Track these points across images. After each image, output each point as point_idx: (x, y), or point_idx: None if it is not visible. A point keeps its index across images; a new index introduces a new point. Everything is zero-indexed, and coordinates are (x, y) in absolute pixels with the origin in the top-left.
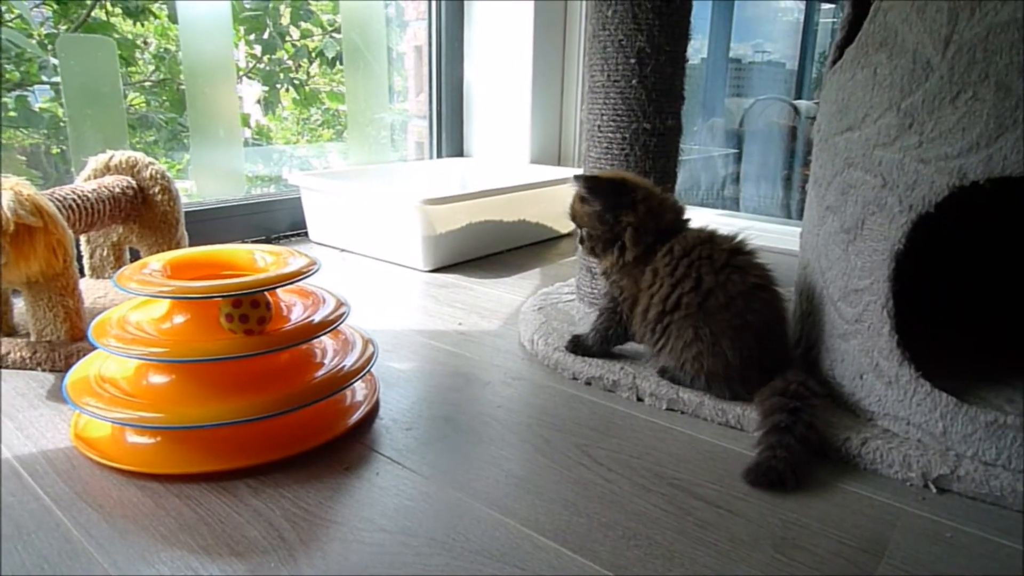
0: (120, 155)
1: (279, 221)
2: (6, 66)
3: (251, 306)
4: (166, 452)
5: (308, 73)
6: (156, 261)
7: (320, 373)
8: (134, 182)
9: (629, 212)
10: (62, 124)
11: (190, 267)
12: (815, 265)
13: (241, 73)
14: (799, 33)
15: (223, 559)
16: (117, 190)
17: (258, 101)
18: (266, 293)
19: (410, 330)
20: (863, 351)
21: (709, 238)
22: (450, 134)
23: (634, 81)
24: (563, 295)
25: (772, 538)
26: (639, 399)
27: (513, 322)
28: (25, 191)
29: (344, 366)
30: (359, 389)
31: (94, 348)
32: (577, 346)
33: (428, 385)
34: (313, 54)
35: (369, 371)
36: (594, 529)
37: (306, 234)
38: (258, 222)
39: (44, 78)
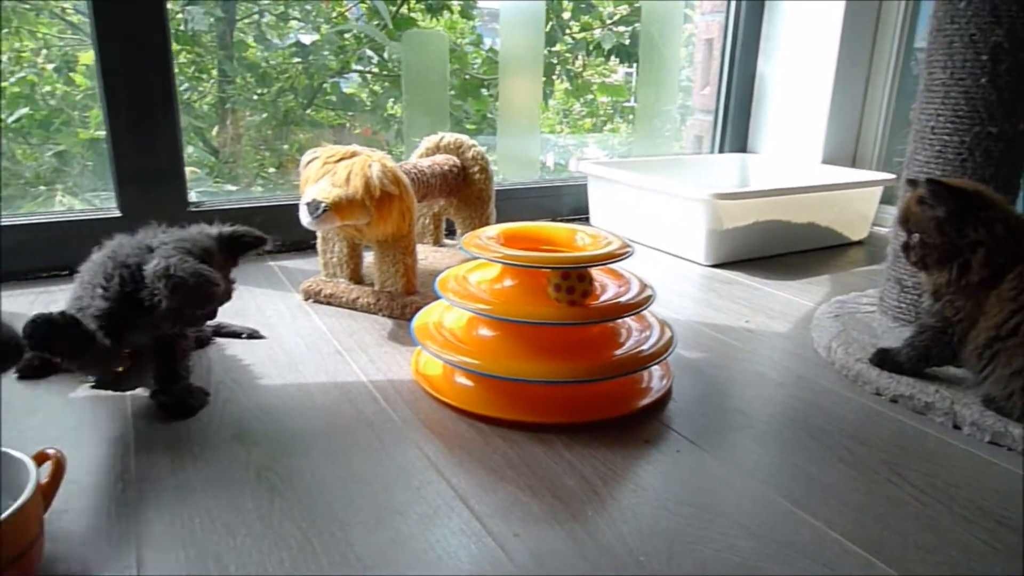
0: (449, 137)
1: (563, 205)
2: (328, 57)
3: (578, 279)
4: (487, 397)
5: (584, 65)
6: (492, 231)
7: (622, 351)
8: (458, 161)
9: (980, 229)
10: (366, 107)
11: (518, 239)
12: None
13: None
14: None
15: (546, 500)
16: (446, 167)
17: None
18: (590, 269)
19: (696, 322)
20: None
21: None
22: (735, 129)
23: (983, 80)
24: (861, 305)
25: None
26: (956, 427)
27: (803, 326)
28: (388, 164)
29: (645, 348)
30: (655, 371)
31: (424, 301)
32: (884, 360)
33: (720, 377)
34: (590, 46)
35: (668, 356)
36: (909, 549)
37: (587, 219)
38: (545, 204)
39: (357, 67)
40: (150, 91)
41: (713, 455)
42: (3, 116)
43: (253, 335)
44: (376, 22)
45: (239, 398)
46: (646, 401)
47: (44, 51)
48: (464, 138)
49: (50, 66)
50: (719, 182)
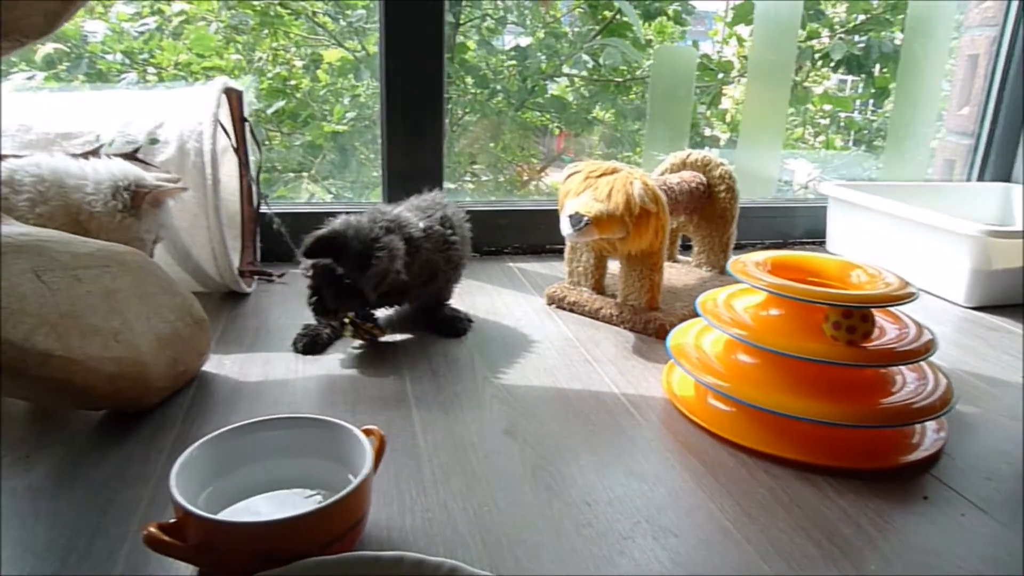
0: (696, 153)
1: (797, 227)
2: (541, 59)
3: (861, 320)
4: (746, 426)
5: (806, 75)
6: (759, 257)
7: (892, 399)
8: (704, 179)
9: None
10: (572, 109)
11: (786, 268)
12: None
13: (737, 71)
14: None
15: (823, 546)
16: (693, 184)
17: (741, 102)
18: (873, 310)
19: (962, 371)
20: None
21: None
22: (1000, 156)
23: None
24: None
25: None
26: None
27: None
28: (648, 182)
29: (920, 399)
30: (929, 424)
31: (666, 319)
32: None
33: (1001, 438)
34: (816, 55)
35: (947, 413)
36: None
37: (822, 243)
38: (778, 225)
39: (566, 70)
40: (423, 94)
41: (1006, 526)
42: (262, 107)
43: (468, 320)
44: (588, 26)
45: (504, 395)
46: (916, 456)
47: (293, 49)
48: (712, 155)
49: (299, 63)
50: (977, 215)
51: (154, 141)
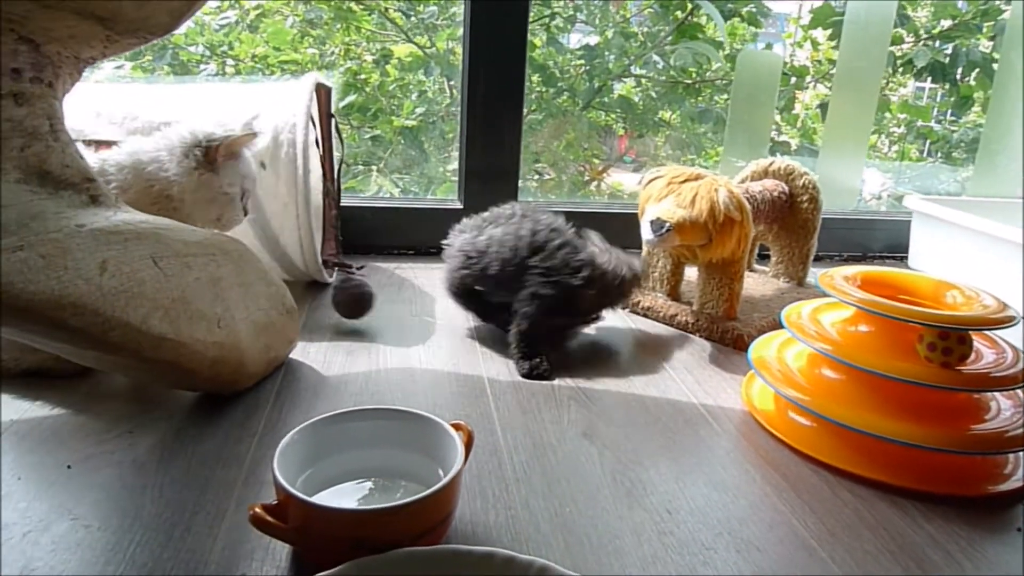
0: (779, 161)
1: (876, 240)
2: (610, 59)
3: (958, 342)
4: (829, 443)
5: (886, 82)
6: (849, 271)
7: (985, 426)
8: (787, 188)
9: None
10: (639, 110)
11: (876, 284)
12: None
13: (811, 76)
14: None
15: (911, 571)
16: (775, 193)
17: (819, 105)
18: (971, 332)
19: None
20: None
21: None
22: None
23: None
24: None
25: None
26: None
27: None
28: (733, 189)
29: (1015, 428)
30: (1022, 454)
31: (744, 329)
32: None
33: None
34: (898, 62)
35: None
36: None
37: (903, 259)
38: (856, 238)
39: (640, 71)
40: (504, 94)
41: None
42: (335, 100)
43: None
44: (658, 27)
45: (580, 398)
46: (1008, 487)
47: (363, 44)
48: (796, 164)
49: (369, 58)
50: None
51: None
